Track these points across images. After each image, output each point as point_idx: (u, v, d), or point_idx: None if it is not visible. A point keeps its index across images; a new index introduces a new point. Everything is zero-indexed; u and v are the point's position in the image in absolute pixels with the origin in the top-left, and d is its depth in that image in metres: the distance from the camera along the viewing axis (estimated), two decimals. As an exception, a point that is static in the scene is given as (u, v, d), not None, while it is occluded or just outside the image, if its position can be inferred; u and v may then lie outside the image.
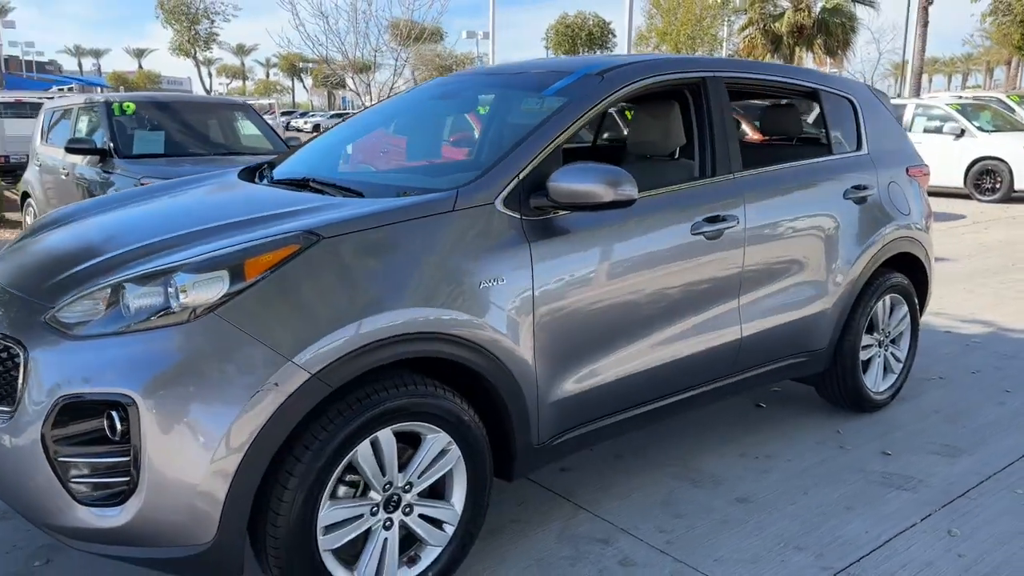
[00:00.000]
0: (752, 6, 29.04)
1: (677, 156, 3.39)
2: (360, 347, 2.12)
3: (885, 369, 4.03)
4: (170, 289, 2.03)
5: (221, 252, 2.13)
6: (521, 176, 2.57)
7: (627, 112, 4.97)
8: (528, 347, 2.52)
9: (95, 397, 1.96)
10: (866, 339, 3.85)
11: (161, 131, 6.78)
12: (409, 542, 2.42)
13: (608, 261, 2.73)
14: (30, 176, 8.05)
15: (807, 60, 30.17)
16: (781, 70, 3.74)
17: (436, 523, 2.43)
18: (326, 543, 2.18)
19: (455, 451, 2.41)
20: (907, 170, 4.03)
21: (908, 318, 4.06)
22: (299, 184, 2.94)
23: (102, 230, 2.68)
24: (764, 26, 29.38)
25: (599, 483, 3.22)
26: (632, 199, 2.55)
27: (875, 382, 3.95)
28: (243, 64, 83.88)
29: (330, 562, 2.21)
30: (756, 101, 5.20)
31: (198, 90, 61.30)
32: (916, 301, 4.08)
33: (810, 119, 4.88)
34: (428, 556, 2.43)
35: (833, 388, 3.85)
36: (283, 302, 2.08)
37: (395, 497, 2.32)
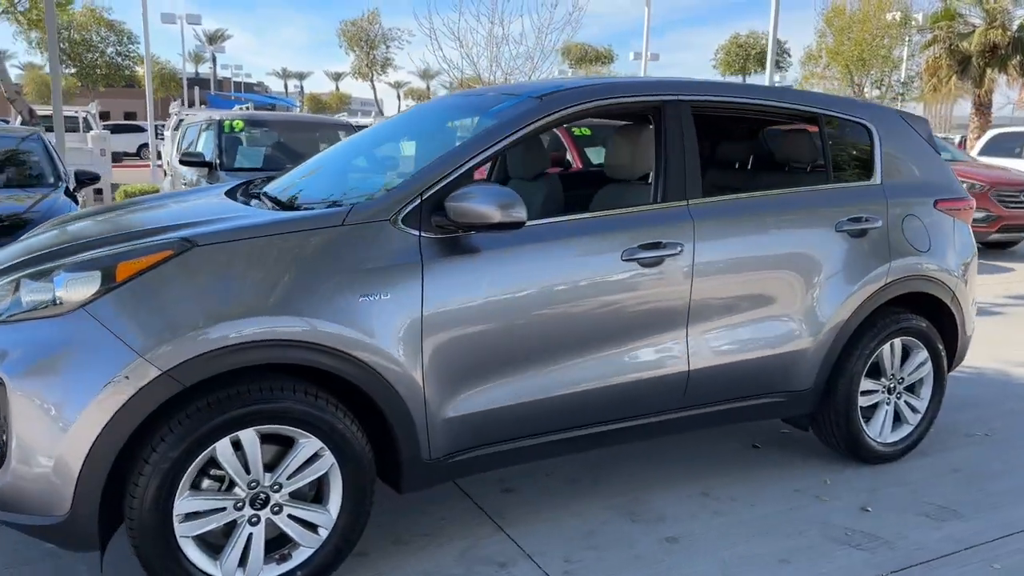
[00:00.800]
0: (937, 23, 26.95)
1: (649, 181, 3.32)
2: (214, 349, 2.27)
3: (897, 419, 3.68)
4: (54, 286, 2.29)
5: (98, 255, 2.36)
6: (424, 195, 2.63)
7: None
8: (415, 363, 2.56)
9: (-26, 376, 2.25)
10: (868, 384, 3.54)
11: (262, 147, 7.39)
12: (283, 540, 2.53)
13: (517, 282, 2.72)
14: (165, 185, 9.01)
15: (1000, 82, 27.55)
16: (771, 93, 3.52)
17: (309, 525, 2.53)
18: (184, 530, 2.34)
19: (328, 457, 2.49)
20: (935, 203, 3.68)
21: (929, 365, 3.69)
22: (255, 196, 3.16)
23: (63, 232, 3.00)
24: (950, 45, 27.16)
25: (535, 506, 3.18)
26: (520, 221, 2.55)
27: (880, 431, 3.61)
28: (428, 88, 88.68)
29: (189, 548, 2.36)
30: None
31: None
32: (941, 348, 3.70)
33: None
34: (299, 556, 2.53)
35: (826, 433, 3.57)
36: (147, 303, 2.26)
37: (262, 495, 2.44)
